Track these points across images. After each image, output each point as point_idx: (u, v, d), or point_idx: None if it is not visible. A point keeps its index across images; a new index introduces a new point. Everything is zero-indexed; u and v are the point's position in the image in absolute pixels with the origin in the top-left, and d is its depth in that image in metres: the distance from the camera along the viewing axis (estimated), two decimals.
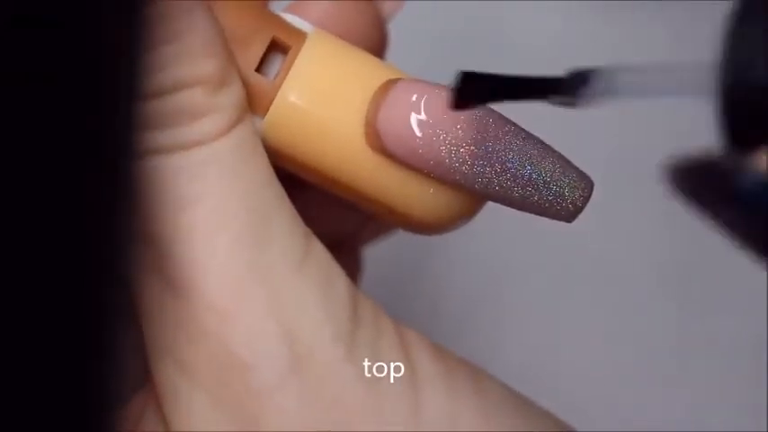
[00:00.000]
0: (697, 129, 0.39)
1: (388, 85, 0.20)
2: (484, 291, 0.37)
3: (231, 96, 0.19)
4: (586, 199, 0.20)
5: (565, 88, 0.17)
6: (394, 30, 0.26)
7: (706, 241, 0.38)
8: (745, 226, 0.16)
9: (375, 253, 0.28)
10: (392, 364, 0.20)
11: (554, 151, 0.20)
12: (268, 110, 0.21)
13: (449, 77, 0.29)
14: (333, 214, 0.24)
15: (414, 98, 0.20)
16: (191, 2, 0.19)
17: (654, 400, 0.37)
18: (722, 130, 0.16)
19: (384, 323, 0.20)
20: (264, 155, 0.20)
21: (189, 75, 0.19)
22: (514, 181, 0.20)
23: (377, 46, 0.24)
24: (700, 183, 0.16)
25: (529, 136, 0.20)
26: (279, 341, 0.19)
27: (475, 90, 0.18)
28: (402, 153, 0.20)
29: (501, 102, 0.19)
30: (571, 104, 0.17)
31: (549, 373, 0.36)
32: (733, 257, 0.38)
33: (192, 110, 0.19)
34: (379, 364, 0.20)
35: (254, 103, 0.21)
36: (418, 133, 0.20)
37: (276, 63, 0.21)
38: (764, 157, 0.15)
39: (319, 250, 0.20)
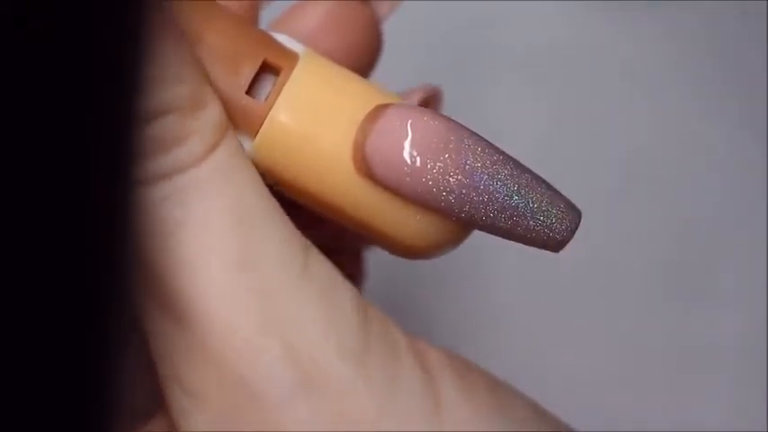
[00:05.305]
0: (696, 129, 0.39)
1: (378, 110, 0.20)
2: (480, 290, 0.37)
3: (207, 119, 0.19)
4: (574, 230, 0.20)
5: None
6: (393, 31, 0.26)
7: (706, 241, 0.38)
8: None
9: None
10: (407, 379, 0.19)
11: (543, 181, 0.20)
12: (258, 132, 0.21)
13: (448, 79, 0.29)
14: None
15: (403, 125, 0.20)
16: (159, 29, 0.19)
17: (653, 401, 0.37)
18: None
19: (396, 336, 0.20)
20: (251, 170, 0.20)
21: (160, 103, 0.19)
22: (502, 211, 0.20)
23: (372, 50, 0.24)
24: None
25: (517, 165, 0.20)
26: (281, 357, 0.19)
27: None
28: (389, 180, 0.20)
29: None
30: None
31: (547, 373, 0.36)
32: (733, 258, 0.38)
33: (169, 137, 0.19)
34: (392, 379, 0.19)
35: (244, 125, 0.21)
36: (406, 161, 0.20)
37: (267, 85, 0.21)
38: None
39: (319, 262, 0.20)
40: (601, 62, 0.39)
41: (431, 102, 0.25)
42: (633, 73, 0.39)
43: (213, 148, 0.19)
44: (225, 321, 0.19)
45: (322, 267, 0.20)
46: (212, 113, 0.19)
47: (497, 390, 0.21)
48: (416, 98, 0.25)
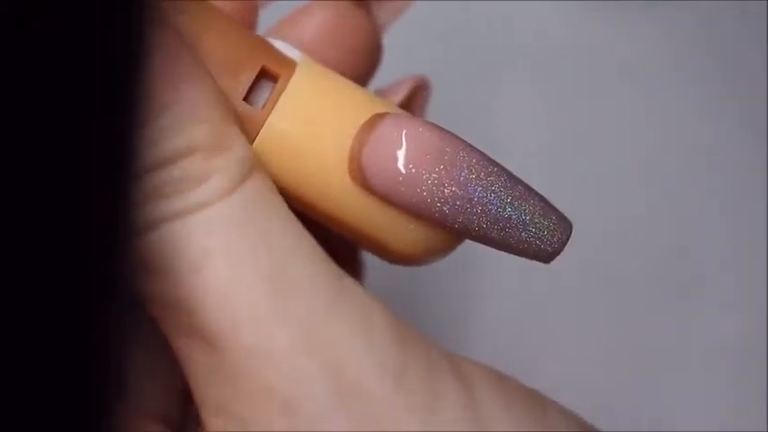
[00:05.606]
0: (696, 129, 0.39)
1: (374, 120, 0.20)
2: (477, 291, 0.37)
3: (232, 156, 0.19)
4: (565, 242, 0.20)
5: None
6: (393, 31, 0.26)
7: (706, 241, 0.38)
8: None
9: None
10: (447, 395, 0.19)
11: (535, 193, 0.20)
12: (255, 138, 0.21)
13: (448, 79, 0.30)
14: None
15: (398, 136, 0.20)
16: (181, 69, 0.19)
17: (653, 401, 0.37)
18: None
19: (434, 353, 0.20)
20: (278, 202, 0.20)
21: (183, 145, 0.19)
22: (495, 222, 0.20)
23: (371, 59, 0.24)
24: None
25: (511, 177, 0.20)
26: (320, 373, 0.19)
27: None
28: (384, 190, 0.20)
29: None
30: None
31: (546, 374, 0.36)
32: (733, 258, 0.38)
33: (193, 176, 0.19)
34: (432, 393, 0.19)
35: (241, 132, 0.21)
36: (401, 171, 0.20)
37: (265, 92, 0.21)
38: None
39: (353, 287, 0.20)
40: (599, 62, 0.39)
41: (419, 91, 0.25)
42: (632, 73, 0.39)
43: (239, 184, 0.19)
44: (259, 344, 0.19)
45: (356, 291, 0.20)
46: (238, 151, 0.19)
47: (536, 402, 0.21)
48: (406, 88, 0.25)
